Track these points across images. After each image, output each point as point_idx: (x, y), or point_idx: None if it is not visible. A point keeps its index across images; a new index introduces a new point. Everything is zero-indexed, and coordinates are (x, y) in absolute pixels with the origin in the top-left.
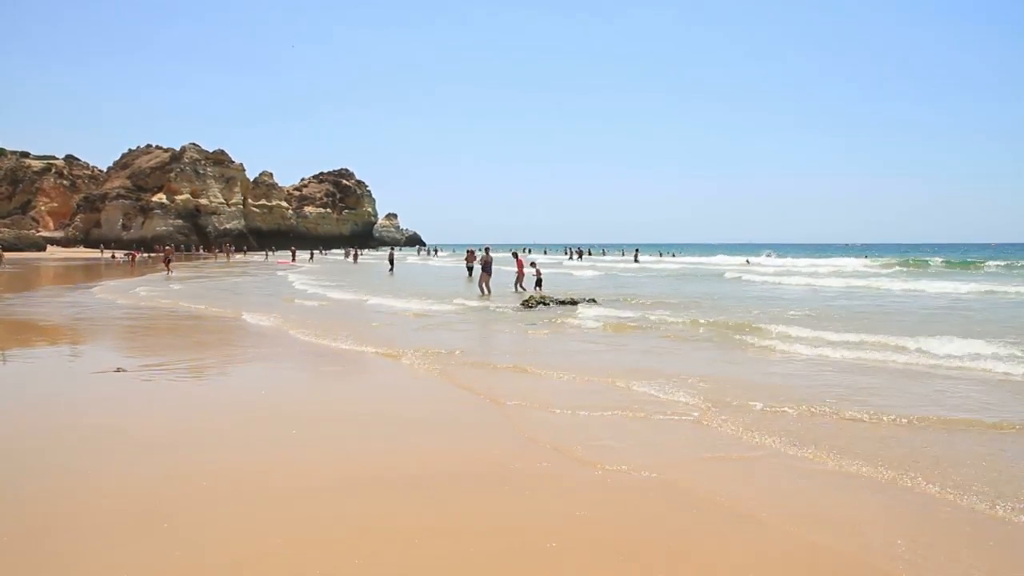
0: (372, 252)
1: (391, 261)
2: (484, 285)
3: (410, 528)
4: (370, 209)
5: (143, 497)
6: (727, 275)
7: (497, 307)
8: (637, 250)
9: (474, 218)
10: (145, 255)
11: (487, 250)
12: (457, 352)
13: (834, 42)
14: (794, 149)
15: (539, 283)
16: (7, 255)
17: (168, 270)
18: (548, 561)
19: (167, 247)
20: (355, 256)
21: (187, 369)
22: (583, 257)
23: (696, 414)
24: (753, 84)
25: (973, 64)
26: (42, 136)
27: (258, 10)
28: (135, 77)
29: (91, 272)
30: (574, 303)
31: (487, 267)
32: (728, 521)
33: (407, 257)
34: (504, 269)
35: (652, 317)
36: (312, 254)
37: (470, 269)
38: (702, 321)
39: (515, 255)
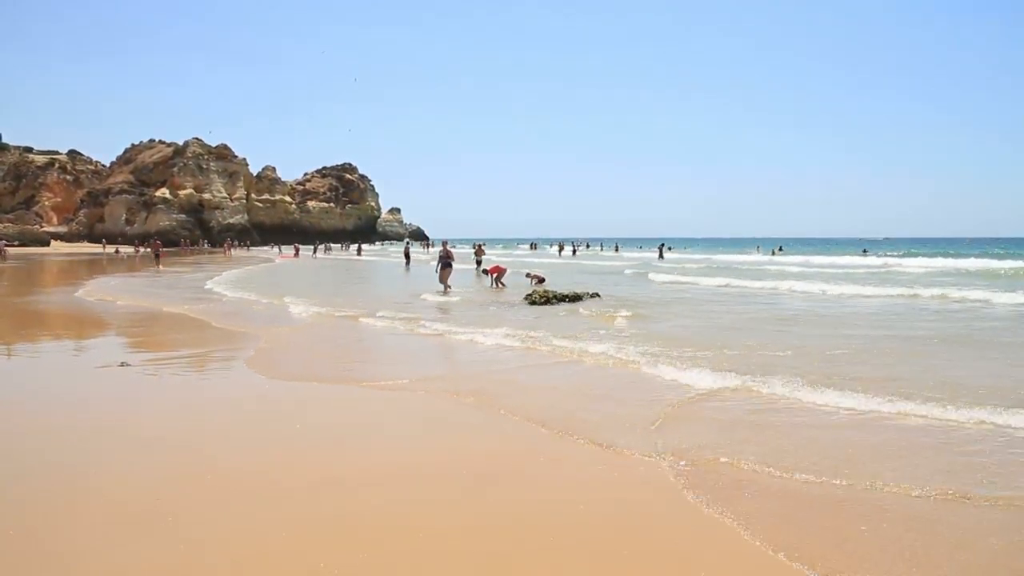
0: (345, 248)
1: (407, 256)
2: (444, 282)
3: (414, 525)
4: (373, 203)
5: (145, 495)
6: (627, 271)
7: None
8: (662, 246)
9: (477, 213)
10: (155, 249)
11: (445, 244)
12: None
13: (833, 39)
14: (794, 147)
15: (540, 281)
16: (11, 251)
17: (157, 265)
18: (551, 557)
19: (155, 241)
20: (359, 249)
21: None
22: (576, 253)
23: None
24: (753, 82)
25: (973, 60)
26: (45, 131)
27: (260, 5)
28: (137, 72)
29: (75, 269)
30: (577, 298)
31: (447, 263)
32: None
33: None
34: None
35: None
36: (315, 249)
37: (478, 263)
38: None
39: (494, 268)
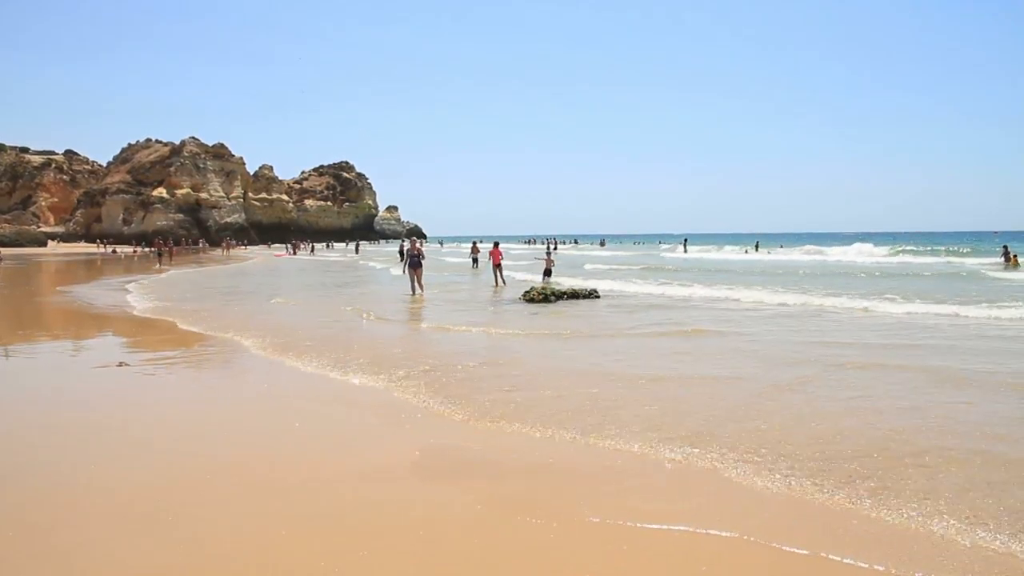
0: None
1: (402, 255)
2: (416, 282)
3: (415, 520)
4: (371, 202)
5: (146, 492)
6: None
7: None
8: (685, 241)
9: (476, 210)
10: (149, 248)
11: (414, 242)
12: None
13: (831, 32)
14: (794, 141)
15: (547, 272)
16: (5, 251)
17: (159, 264)
18: (550, 554)
19: (158, 240)
20: (356, 247)
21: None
22: (556, 249)
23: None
24: (753, 76)
25: (972, 52)
26: (42, 131)
27: (257, 4)
28: (134, 72)
29: (72, 271)
30: (576, 295)
31: (416, 261)
32: None
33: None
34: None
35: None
36: (311, 248)
37: (474, 260)
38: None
39: (495, 244)
